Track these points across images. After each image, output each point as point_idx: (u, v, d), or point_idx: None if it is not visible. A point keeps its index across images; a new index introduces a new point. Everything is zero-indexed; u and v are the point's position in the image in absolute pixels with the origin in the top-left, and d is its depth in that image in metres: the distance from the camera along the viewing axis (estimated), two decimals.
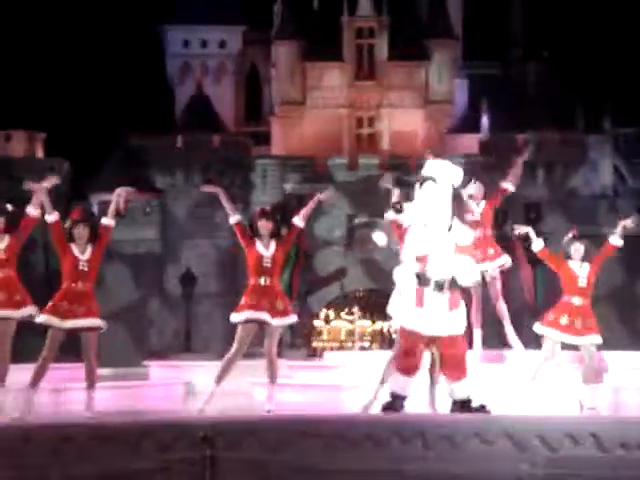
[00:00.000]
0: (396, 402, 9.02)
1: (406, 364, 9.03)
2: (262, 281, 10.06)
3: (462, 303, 9.17)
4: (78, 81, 52.34)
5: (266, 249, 10.16)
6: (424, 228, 9.11)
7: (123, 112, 49.01)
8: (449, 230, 9.13)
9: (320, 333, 47.46)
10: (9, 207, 10.36)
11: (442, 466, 7.67)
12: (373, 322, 47.32)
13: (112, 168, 48.08)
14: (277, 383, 10.09)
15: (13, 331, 10.00)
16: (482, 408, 9.03)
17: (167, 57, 51.92)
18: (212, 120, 47.28)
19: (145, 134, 45.66)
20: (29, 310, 9.99)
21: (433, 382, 9.95)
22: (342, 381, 12.29)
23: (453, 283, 9.06)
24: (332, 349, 40.47)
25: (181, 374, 14.49)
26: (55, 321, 9.74)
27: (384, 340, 46.34)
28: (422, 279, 9.00)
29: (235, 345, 9.98)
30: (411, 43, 47.18)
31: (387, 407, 9.05)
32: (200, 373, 14.36)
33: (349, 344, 44.65)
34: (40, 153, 47.35)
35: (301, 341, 42.68)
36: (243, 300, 10.08)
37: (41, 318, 9.81)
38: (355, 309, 44.73)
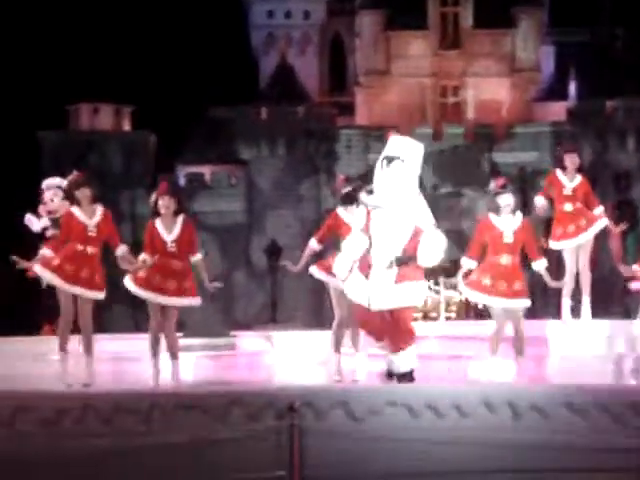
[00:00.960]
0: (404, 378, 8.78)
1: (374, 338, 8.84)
2: None
3: (416, 276, 8.73)
4: (164, 54, 52.74)
5: (355, 221, 10.01)
6: (384, 208, 8.71)
7: (208, 84, 49.28)
8: (412, 207, 8.74)
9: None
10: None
11: (532, 437, 7.58)
12: (459, 293, 47.07)
13: (198, 140, 48.44)
14: (364, 353, 10.05)
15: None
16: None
17: (251, 28, 52.04)
18: (296, 91, 47.29)
19: (230, 106, 45.85)
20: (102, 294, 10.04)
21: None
22: (429, 351, 12.23)
23: (404, 259, 8.70)
24: (418, 319, 40.36)
25: (267, 344, 14.55)
26: (150, 295, 9.85)
27: (470, 311, 46.09)
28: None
29: (338, 315, 10.02)
30: (496, 10, 46.58)
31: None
32: (286, 343, 14.43)
33: (435, 314, 44.51)
34: (127, 126, 47.86)
35: None
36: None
37: (135, 289, 9.92)
38: (441, 279, 44.53)
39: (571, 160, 12.07)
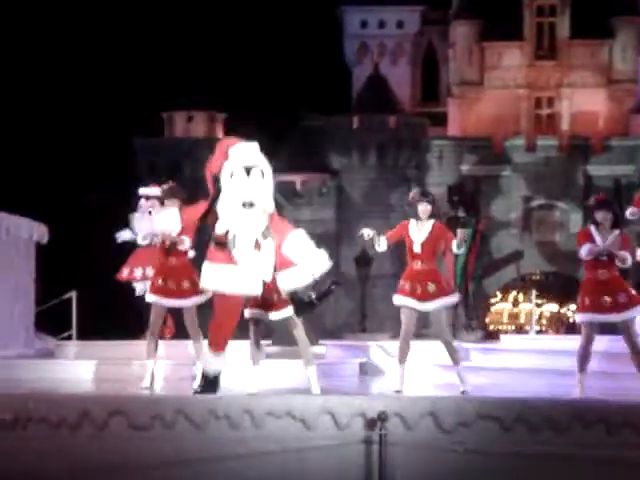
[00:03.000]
0: (210, 385, 8.67)
1: (217, 338, 8.69)
2: (415, 265, 10.00)
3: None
4: (258, 62, 53.19)
5: (418, 233, 10.05)
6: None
7: (301, 92, 49.55)
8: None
9: (495, 315, 47.02)
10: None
11: (623, 453, 7.46)
12: (550, 305, 46.59)
13: (290, 148, 48.71)
14: (459, 364, 9.95)
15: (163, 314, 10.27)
16: None
17: (345, 38, 52.13)
18: (388, 101, 47.24)
19: (322, 115, 46.02)
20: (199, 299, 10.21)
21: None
22: (519, 364, 12.12)
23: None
24: (508, 332, 40.01)
25: (356, 353, 14.54)
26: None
27: (561, 324, 45.53)
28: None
29: (402, 327, 9.99)
30: (594, 20, 45.98)
31: (203, 391, 8.64)
32: (375, 353, 14.39)
33: (526, 327, 44.08)
34: (220, 133, 48.34)
35: (476, 323, 42.30)
36: (400, 283, 10.06)
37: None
38: (532, 292, 44.15)
39: None
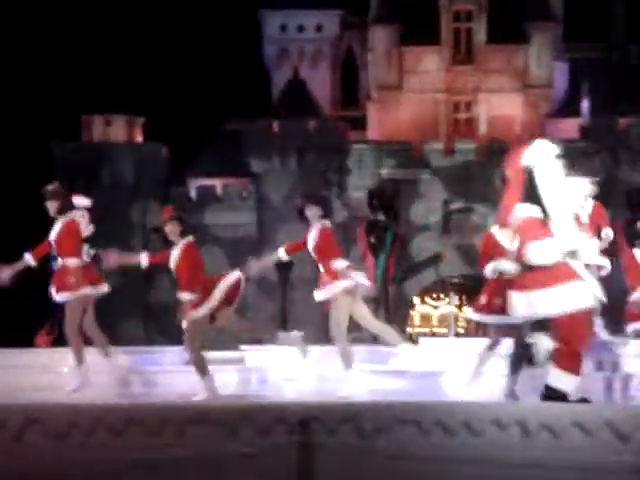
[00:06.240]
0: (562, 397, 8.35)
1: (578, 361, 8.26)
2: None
3: None
4: (177, 66, 52.91)
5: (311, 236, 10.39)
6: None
7: (221, 97, 49.40)
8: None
9: (414, 319, 47.33)
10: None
11: (542, 455, 7.55)
12: (466, 308, 47.05)
13: (210, 152, 48.53)
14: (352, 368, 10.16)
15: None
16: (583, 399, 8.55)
17: (264, 42, 52.17)
18: (308, 105, 47.38)
19: (242, 119, 45.97)
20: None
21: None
22: (438, 367, 12.21)
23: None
24: (426, 335, 40.31)
25: (277, 359, 14.51)
26: None
27: (479, 327, 46.01)
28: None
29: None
30: (510, 26, 46.64)
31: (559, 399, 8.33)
32: (296, 358, 14.37)
33: (444, 330, 44.43)
34: (139, 137, 47.98)
35: (396, 327, 42.53)
36: None
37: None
38: (451, 295, 44.49)
39: None
